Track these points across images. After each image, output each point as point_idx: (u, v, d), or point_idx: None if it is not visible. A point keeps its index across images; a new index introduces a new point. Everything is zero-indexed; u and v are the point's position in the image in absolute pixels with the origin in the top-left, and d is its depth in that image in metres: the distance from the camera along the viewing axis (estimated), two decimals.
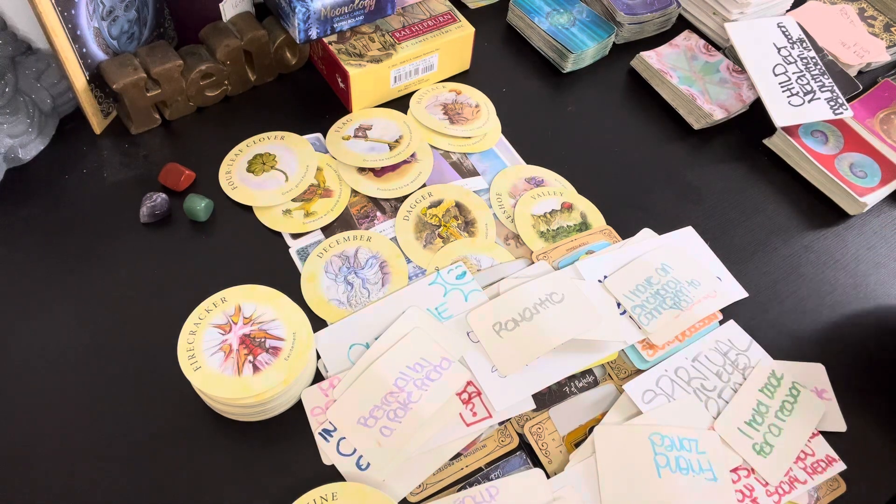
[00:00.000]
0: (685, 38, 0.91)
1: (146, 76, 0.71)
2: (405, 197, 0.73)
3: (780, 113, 0.80)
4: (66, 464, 0.55)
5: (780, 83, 0.83)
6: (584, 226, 0.73)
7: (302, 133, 0.77)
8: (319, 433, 0.57)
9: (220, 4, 0.75)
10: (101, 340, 0.61)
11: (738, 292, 0.69)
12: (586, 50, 0.86)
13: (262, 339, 0.57)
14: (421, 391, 0.58)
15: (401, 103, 0.82)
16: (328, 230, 0.70)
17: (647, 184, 0.78)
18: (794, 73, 0.84)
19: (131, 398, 0.58)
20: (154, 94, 0.73)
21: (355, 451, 0.56)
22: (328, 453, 0.56)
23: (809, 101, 0.82)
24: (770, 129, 0.82)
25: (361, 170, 0.75)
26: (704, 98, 0.84)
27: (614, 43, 0.92)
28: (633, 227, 0.73)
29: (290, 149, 0.75)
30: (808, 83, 0.83)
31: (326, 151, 0.76)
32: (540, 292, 0.64)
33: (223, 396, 0.54)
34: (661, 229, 0.73)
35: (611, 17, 0.91)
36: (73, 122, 0.75)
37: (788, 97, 0.82)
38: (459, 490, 0.55)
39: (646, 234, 0.73)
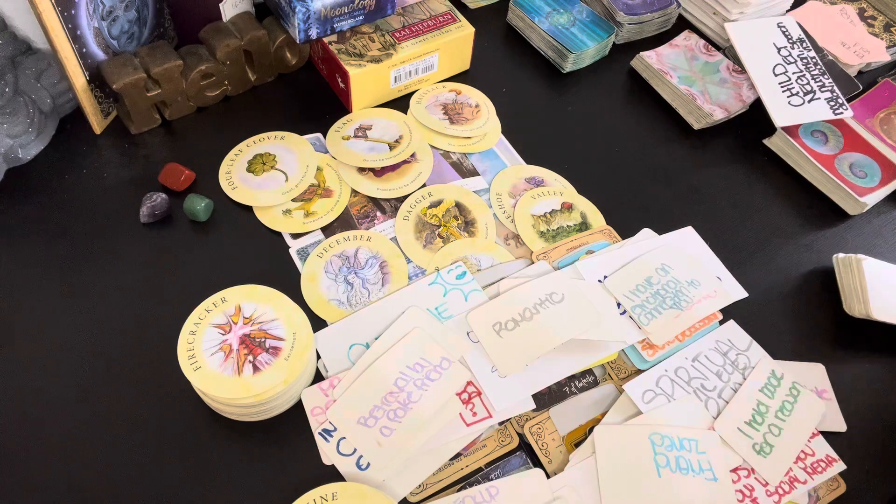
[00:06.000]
0: (685, 38, 0.91)
1: (146, 76, 0.71)
2: (405, 197, 0.73)
3: (780, 113, 0.80)
4: (64, 464, 0.55)
5: (780, 83, 0.83)
6: (584, 226, 0.73)
7: (302, 133, 0.77)
8: (319, 433, 0.57)
9: (220, 4, 0.75)
10: (100, 340, 0.61)
11: (738, 292, 0.69)
12: (586, 50, 0.86)
13: (262, 339, 0.57)
14: (421, 391, 0.58)
15: (401, 103, 0.82)
16: (328, 230, 0.70)
17: (647, 184, 0.78)
18: (794, 73, 0.84)
19: (131, 398, 0.58)
20: (154, 94, 0.73)
21: (355, 451, 0.56)
22: (328, 453, 0.56)
23: (809, 101, 0.82)
24: (770, 129, 0.82)
25: (361, 170, 0.75)
26: (704, 98, 0.84)
27: (614, 43, 0.92)
28: (633, 227, 0.73)
29: (290, 149, 0.75)
30: (808, 83, 0.83)
31: (326, 151, 0.76)
32: (540, 292, 0.64)
33: (223, 396, 0.54)
34: (661, 229, 0.73)
35: (611, 17, 0.91)
36: (73, 122, 0.75)
37: (788, 97, 0.82)
38: (459, 490, 0.55)
39: (646, 234, 0.73)
